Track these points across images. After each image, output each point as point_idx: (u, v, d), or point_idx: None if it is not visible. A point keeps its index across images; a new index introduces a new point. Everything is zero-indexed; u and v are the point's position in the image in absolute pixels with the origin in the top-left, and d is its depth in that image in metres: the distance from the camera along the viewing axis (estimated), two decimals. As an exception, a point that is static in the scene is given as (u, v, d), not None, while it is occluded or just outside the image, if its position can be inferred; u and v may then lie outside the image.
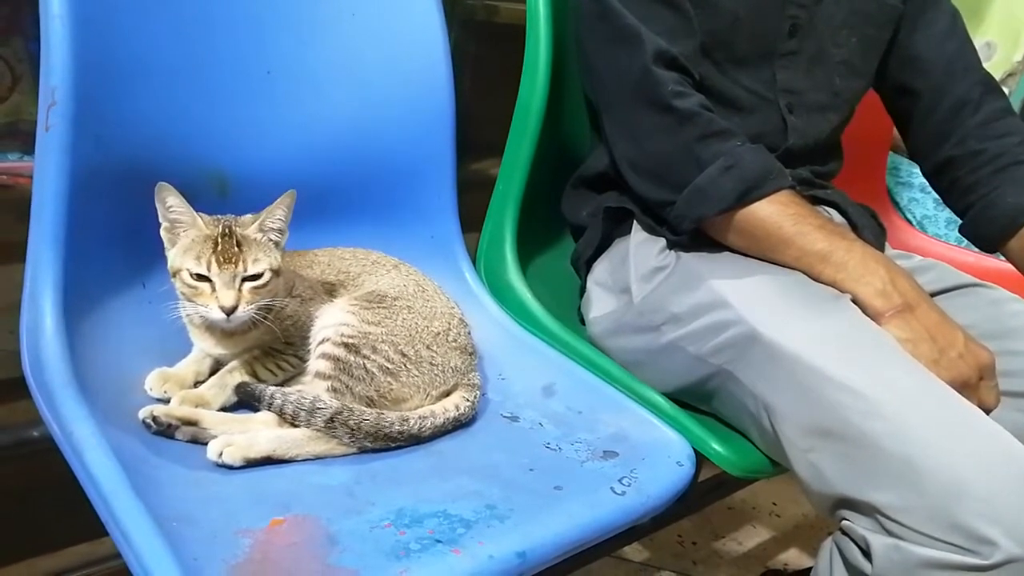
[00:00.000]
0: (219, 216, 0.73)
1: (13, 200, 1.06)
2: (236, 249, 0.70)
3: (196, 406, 0.71)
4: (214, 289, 0.70)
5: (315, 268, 0.83)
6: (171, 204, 0.71)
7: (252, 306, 0.70)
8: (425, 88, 0.96)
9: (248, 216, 0.73)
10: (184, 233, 0.72)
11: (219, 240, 0.70)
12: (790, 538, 1.59)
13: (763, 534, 1.59)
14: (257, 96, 0.87)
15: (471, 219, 1.01)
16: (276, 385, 0.75)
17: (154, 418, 0.68)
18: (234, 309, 0.69)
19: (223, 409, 0.73)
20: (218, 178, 0.84)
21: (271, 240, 0.73)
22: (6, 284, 0.77)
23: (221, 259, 0.69)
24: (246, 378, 0.75)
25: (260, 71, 0.87)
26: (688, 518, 1.55)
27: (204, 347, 0.77)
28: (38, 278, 0.70)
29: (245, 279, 0.70)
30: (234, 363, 0.76)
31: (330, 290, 0.81)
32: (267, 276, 0.71)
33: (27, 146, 1.08)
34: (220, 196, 0.84)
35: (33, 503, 1.06)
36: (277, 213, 0.72)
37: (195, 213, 0.72)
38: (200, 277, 0.70)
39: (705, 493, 1.39)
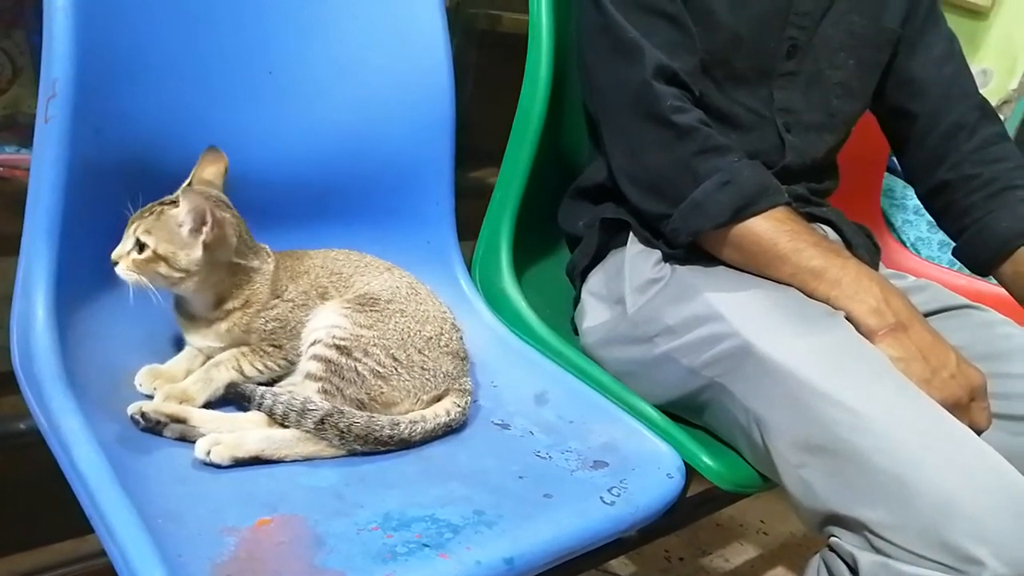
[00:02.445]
0: (210, 193, 0.73)
1: (9, 193, 1.06)
2: (148, 215, 0.71)
3: (180, 401, 0.71)
4: None
5: (311, 271, 0.83)
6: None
7: (131, 272, 0.71)
8: (426, 94, 0.96)
9: (201, 202, 0.71)
10: None
11: (155, 204, 0.72)
12: (777, 556, 1.59)
13: (750, 552, 1.59)
14: (258, 95, 0.87)
15: (468, 226, 1.02)
16: (263, 383, 0.75)
17: (143, 414, 0.67)
18: (116, 263, 0.71)
19: (208, 404, 0.72)
20: (217, 176, 0.84)
21: (187, 234, 0.71)
22: (1, 278, 0.77)
23: (137, 215, 0.72)
24: (232, 373, 0.74)
25: (262, 70, 0.87)
26: (675, 534, 1.55)
27: (187, 338, 0.77)
28: (31, 270, 0.69)
29: (137, 244, 0.71)
30: (220, 357, 0.75)
31: (322, 292, 0.81)
32: (147, 254, 0.70)
33: (25, 139, 1.07)
34: (218, 194, 0.84)
35: (16, 497, 1.05)
36: (184, 210, 0.70)
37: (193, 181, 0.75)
38: None
39: (694, 507, 1.39)
